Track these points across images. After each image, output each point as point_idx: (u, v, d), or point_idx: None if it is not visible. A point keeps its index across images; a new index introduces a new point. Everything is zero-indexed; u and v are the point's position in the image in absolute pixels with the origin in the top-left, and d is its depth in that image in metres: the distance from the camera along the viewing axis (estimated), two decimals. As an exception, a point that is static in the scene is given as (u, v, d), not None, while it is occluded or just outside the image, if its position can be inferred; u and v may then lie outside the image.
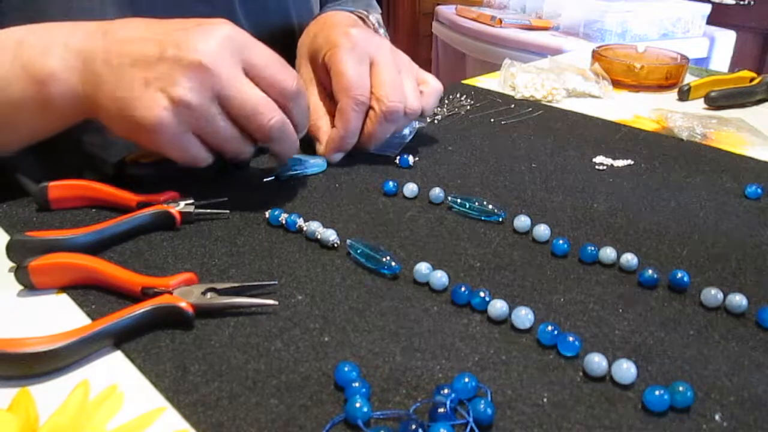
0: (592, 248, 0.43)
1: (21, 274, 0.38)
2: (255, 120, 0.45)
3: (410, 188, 0.52)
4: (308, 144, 0.63)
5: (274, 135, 0.46)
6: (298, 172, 0.55)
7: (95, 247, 0.42)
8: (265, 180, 0.54)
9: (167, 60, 0.42)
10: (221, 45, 0.43)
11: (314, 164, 0.56)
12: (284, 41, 0.67)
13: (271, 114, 0.45)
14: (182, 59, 0.42)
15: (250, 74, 0.45)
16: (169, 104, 0.42)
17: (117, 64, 0.43)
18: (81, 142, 0.59)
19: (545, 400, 0.31)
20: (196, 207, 0.47)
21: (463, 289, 0.38)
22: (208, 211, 0.48)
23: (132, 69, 0.43)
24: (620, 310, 0.38)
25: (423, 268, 0.40)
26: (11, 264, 0.40)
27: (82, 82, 0.44)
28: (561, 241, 0.44)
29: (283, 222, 0.46)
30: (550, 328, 0.35)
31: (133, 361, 0.33)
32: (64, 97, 0.45)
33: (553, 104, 0.78)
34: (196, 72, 0.42)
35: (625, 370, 0.32)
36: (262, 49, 0.46)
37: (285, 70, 0.46)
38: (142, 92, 0.42)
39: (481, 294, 0.38)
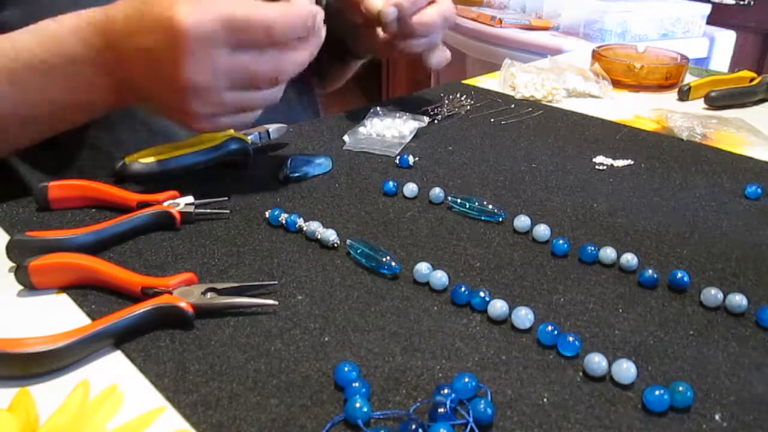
0: (592, 248, 0.43)
1: (21, 274, 0.38)
2: (279, 32, 0.45)
3: (410, 188, 0.52)
4: (311, 145, 0.63)
5: (301, 33, 0.46)
6: (304, 173, 0.55)
7: (95, 247, 0.42)
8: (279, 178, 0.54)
9: (180, 69, 0.44)
10: (201, 33, 0.43)
11: (320, 164, 0.56)
12: None
13: (268, 89, 0.47)
14: (175, 83, 0.44)
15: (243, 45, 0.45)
16: (196, 119, 0.46)
17: (146, 86, 0.47)
18: (89, 137, 0.59)
19: (545, 400, 0.31)
20: (196, 207, 0.47)
21: (463, 289, 0.38)
22: (208, 211, 0.48)
23: (151, 92, 0.47)
24: (620, 310, 0.38)
25: (423, 268, 0.40)
26: (11, 264, 0.40)
27: (117, 98, 0.50)
28: (561, 241, 0.44)
29: (283, 222, 0.46)
30: (550, 328, 0.35)
31: (133, 361, 0.33)
32: (104, 108, 0.52)
33: (553, 104, 0.78)
34: (194, 92, 0.45)
35: (625, 370, 0.32)
36: (239, 10, 0.45)
37: (272, 26, 0.45)
38: (172, 115, 0.49)
39: (481, 294, 0.38)
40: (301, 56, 0.47)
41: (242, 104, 0.47)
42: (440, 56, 0.68)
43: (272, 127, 0.61)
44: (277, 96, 0.49)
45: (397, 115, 0.68)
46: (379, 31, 0.65)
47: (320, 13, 0.48)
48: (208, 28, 0.42)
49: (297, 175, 0.54)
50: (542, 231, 0.46)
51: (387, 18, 0.60)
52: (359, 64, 0.88)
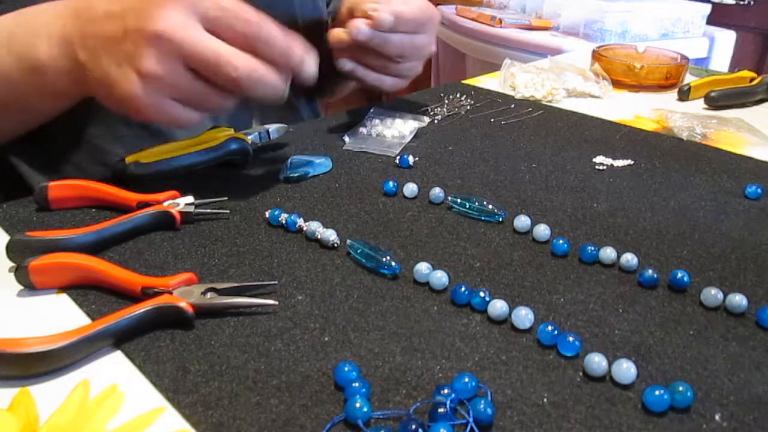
0: (592, 248, 0.43)
1: (21, 274, 0.38)
2: (222, 74, 0.44)
3: (410, 188, 0.52)
4: (311, 145, 0.63)
5: (245, 84, 0.45)
6: (304, 173, 0.55)
7: (95, 247, 0.42)
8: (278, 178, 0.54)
9: (130, 35, 0.44)
10: (177, 9, 0.44)
11: (320, 164, 0.56)
12: None
13: (235, 64, 0.44)
14: (143, 31, 0.43)
15: (211, 29, 0.45)
16: (140, 79, 0.44)
17: (92, 48, 0.46)
18: (86, 134, 0.59)
19: (545, 400, 0.31)
20: (196, 207, 0.47)
21: (463, 289, 0.38)
22: (208, 211, 0.48)
23: (104, 52, 0.45)
24: (620, 310, 0.38)
25: (423, 268, 0.40)
26: (11, 264, 0.40)
27: (71, 71, 0.47)
28: (561, 241, 0.44)
29: (283, 222, 0.46)
30: (550, 328, 0.35)
31: (133, 361, 0.33)
32: (61, 81, 0.48)
33: (553, 104, 0.78)
34: (157, 42, 0.43)
35: (625, 370, 0.32)
36: (215, 1, 0.45)
37: (242, 14, 0.45)
38: (116, 72, 0.45)
39: (481, 294, 0.38)
40: (275, 80, 0.46)
41: (192, 90, 0.45)
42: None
43: (272, 127, 0.61)
44: (226, 105, 0.47)
45: (397, 115, 0.68)
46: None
47: (303, 58, 0.47)
48: None
49: (297, 174, 0.54)
50: (542, 231, 0.46)
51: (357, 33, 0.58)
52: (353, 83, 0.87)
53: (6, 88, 0.50)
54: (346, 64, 0.63)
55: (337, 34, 0.61)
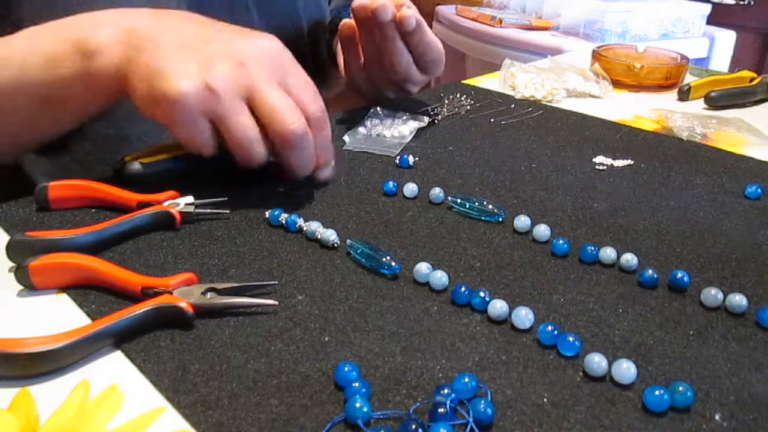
0: (592, 248, 0.43)
1: (21, 274, 0.38)
2: (279, 121, 0.45)
3: (410, 188, 0.52)
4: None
5: (294, 140, 0.45)
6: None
7: (95, 247, 0.42)
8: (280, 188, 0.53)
9: (211, 50, 0.44)
10: (265, 53, 0.45)
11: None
12: (293, 42, 0.69)
13: (295, 118, 0.45)
14: (226, 53, 0.44)
15: (285, 91, 0.46)
16: (199, 83, 0.43)
17: (162, 42, 0.45)
18: (93, 132, 0.59)
19: (545, 400, 0.31)
20: (196, 207, 0.47)
21: (463, 289, 0.38)
22: (208, 211, 0.48)
23: (175, 47, 0.44)
24: (620, 310, 0.38)
25: (423, 268, 0.40)
26: (11, 264, 0.40)
27: (123, 55, 0.45)
28: (561, 241, 0.44)
29: (283, 222, 0.46)
30: (550, 328, 0.35)
31: (133, 361, 0.33)
32: (107, 70, 0.46)
33: (553, 104, 0.78)
34: (234, 66, 0.44)
35: (625, 370, 0.32)
36: (301, 72, 0.48)
37: (317, 98, 0.48)
38: (177, 65, 0.43)
39: (481, 294, 0.38)
40: (310, 157, 0.48)
41: (240, 125, 0.45)
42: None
43: (272, 127, 0.61)
44: (260, 155, 0.47)
45: (397, 115, 0.68)
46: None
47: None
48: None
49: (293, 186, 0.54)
50: (542, 231, 0.46)
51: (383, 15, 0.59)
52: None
53: (52, 75, 0.47)
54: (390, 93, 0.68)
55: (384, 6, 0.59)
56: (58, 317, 0.37)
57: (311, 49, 0.80)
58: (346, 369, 0.31)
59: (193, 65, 0.43)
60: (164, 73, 0.43)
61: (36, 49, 0.47)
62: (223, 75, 0.43)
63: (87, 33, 0.46)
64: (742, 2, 2.07)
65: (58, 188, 0.47)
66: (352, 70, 0.69)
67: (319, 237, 0.45)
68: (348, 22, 0.64)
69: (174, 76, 0.42)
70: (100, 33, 0.46)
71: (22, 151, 0.57)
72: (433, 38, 0.64)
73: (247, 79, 0.44)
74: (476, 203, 0.49)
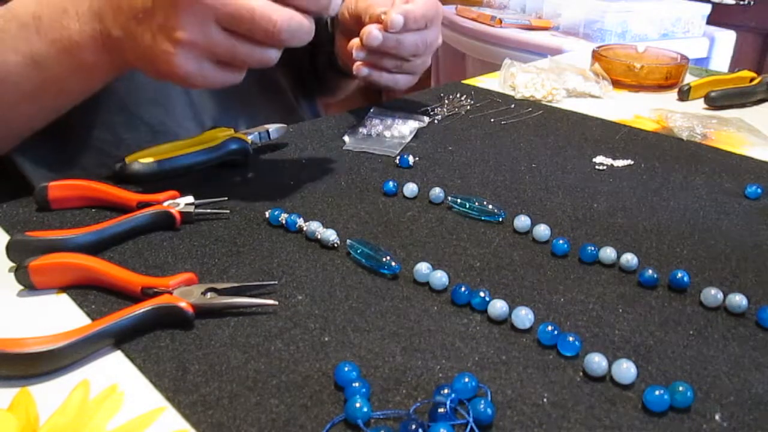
0: (592, 248, 0.43)
1: (21, 274, 0.38)
2: (260, 29, 0.44)
3: (410, 188, 0.52)
4: (310, 145, 0.63)
5: (284, 36, 0.44)
6: None
7: (95, 247, 0.42)
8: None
9: (160, 4, 0.43)
10: None
11: None
12: (290, 49, 0.69)
13: (272, 17, 0.43)
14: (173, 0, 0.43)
15: None
16: (176, 48, 0.43)
17: (124, 23, 0.45)
18: (91, 138, 0.59)
19: (545, 400, 0.31)
20: (196, 207, 0.47)
21: (463, 289, 0.38)
22: (208, 211, 0.48)
23: (136, 25, 0.45)
24: (620, 310, 0.38)
25: (423, 268, 0.40)
26: (11, 264, 0.40)
27: (107, 48, 0.47)
28: (561, 241, 0.44)
29: (283, 222, 0.46)
30: (550, 328, 0.35)
31: (133, 361, 0.33)
32: (100, 59, 0.48)
33: (553, 104, 0.78)
34: (188, 8, 0.43)
35: (625, 370, 0.32)
36: None
37: None
38: (153, 45, 0.44)
39: (481, 294, 0.38)
40: (308, 26, 0.45)
41: (232, 50, 0.45)
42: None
43: (272, 127, 0.61)
44: (270, 57, 0.47)
45: (397, 115, 0.68)
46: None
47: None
48: None
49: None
50: (542, 231, 0.46)
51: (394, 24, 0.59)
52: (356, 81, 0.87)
53: (41, 73, 0.49)
54: (363, 70, 0.63)
55: (354, 45, 0.61)
56: (58, 317, 0.37)
57: (310, 59, 0.81)
58: (346, 369, 0.31)
59: (160, 36, 0.44)
60: (151, 59, 0.45)
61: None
62: (186, 26, 0.43)
63: (58, 30, 0.47)
64: (742, 2, 2.07)
65: (58, 188, 0.47)
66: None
67: (319, 237, 0.45)
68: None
69: (156, 55, 0.44)
70: (70, 28, 0.47)
71: (14, 135, 0.57)
72: (415, 36, 0.62)
73: (206, 12, 0.43)
74: (476, 203, 0.49)
